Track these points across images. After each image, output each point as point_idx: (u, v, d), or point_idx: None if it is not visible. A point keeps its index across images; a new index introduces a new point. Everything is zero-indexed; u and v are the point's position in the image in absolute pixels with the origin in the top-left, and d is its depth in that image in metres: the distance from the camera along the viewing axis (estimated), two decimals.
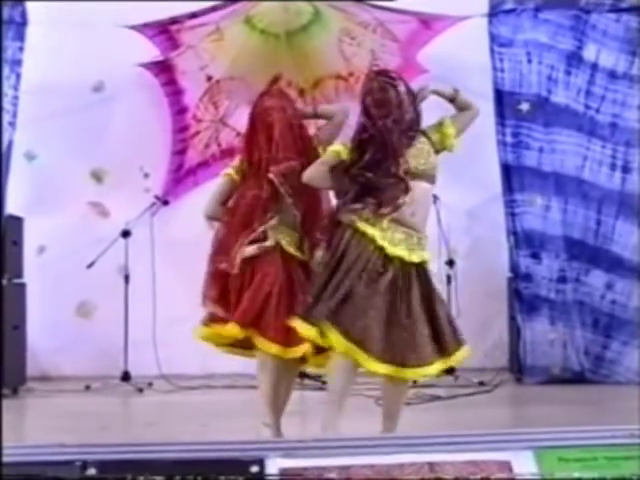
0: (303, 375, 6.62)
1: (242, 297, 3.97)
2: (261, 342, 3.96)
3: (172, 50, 7.19)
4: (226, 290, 4.03)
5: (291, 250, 4.04)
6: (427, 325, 3.74)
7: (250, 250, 3.99)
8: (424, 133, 3.96)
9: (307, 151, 4.10)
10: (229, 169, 4.24)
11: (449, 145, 3.98)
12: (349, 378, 3.85)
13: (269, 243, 4.02)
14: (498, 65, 6.65)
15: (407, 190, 3.77)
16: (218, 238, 4.16)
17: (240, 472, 2.77)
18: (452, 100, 4.04)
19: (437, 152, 3.95)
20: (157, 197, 6.96)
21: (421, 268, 3.82)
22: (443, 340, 3.77)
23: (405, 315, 3.71)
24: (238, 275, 3.99)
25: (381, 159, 3.78)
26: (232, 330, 3.95)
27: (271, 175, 3.99)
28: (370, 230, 3.76)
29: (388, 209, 3.74)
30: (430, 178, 3.89)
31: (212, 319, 4.07)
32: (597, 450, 2.85)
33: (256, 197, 4.04)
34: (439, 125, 3.99)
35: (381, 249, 3.74)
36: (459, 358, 3.85)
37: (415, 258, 3.78)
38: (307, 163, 4.00)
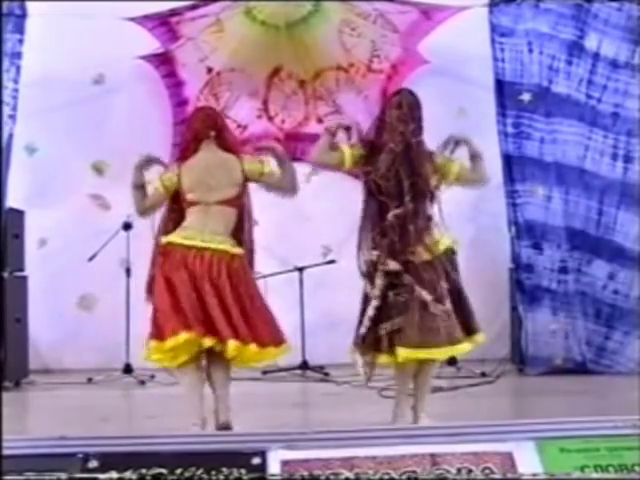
0: (305, 367, 6.63)
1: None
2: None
3: (172, 42, 7.17)
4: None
5: None
6: None
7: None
8: (430, 153, 4.14)
9: None
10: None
11: (447, 180, 4.18)
12: None
13: None
14: (499, 55, 6.59)
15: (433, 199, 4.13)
16: None
17: (242, 464, 2.79)
18: (472, 158, 4.20)
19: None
20: None
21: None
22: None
23: None
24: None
25: (410, 174, 4.02)
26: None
27: None
28: None
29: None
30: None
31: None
32: (599, 441, 2.87)
33: None
34: (450, 160, 4.17)
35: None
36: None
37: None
38: None
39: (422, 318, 3.97)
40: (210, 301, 4.03)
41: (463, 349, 4.17)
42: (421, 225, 4.05)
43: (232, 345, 3.99)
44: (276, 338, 4.19)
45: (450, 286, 4.10)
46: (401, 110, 4.06)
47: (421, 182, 4.04)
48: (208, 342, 4.02)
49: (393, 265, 4.00)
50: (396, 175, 4.02)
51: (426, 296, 3.96)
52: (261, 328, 4.11)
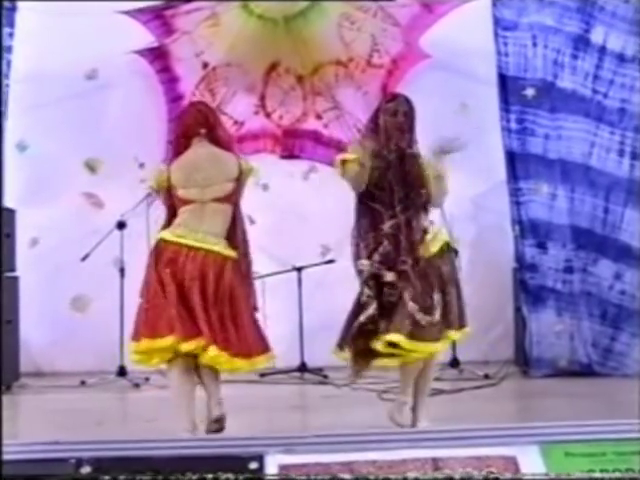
0: (304, 369, 6.56)
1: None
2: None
3: (167, 36, 7.14)
4: None
5: None
6: None
7: None
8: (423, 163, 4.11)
9: None
10: None
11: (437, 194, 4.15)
12: None
13: None
14: (502, 49, 6.53)
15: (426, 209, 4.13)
16: None
17: (239, 469, 2.78)
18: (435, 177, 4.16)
19: None
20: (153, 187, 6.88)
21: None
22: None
23: None
24: None
25: (403, 185, 4.00)
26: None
27: None
28: None
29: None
30: None
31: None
32: (605, 445, 2.95)
33: None
34: (442, 177, 4.13)
35: None
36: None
37: None
38: None
39: (410, 321, 3.97)
40: (196, 301, 3.98)
41: (439, 348, 4.18)
42: (415, 236, 4.03)
43: (211, 352, 3.96)
44: (259, 346, 4.12)
45: (441, 285, 4.07)
46: (397, 118, 4.02)
47: (414, 193, 4.04)
48: (185, 347, 3.97)
49: (389, 276, 3.99)
50: (389, 185, 4.01)
51: (413, 307, 3.94)
52: (243, 335, 4.05)
